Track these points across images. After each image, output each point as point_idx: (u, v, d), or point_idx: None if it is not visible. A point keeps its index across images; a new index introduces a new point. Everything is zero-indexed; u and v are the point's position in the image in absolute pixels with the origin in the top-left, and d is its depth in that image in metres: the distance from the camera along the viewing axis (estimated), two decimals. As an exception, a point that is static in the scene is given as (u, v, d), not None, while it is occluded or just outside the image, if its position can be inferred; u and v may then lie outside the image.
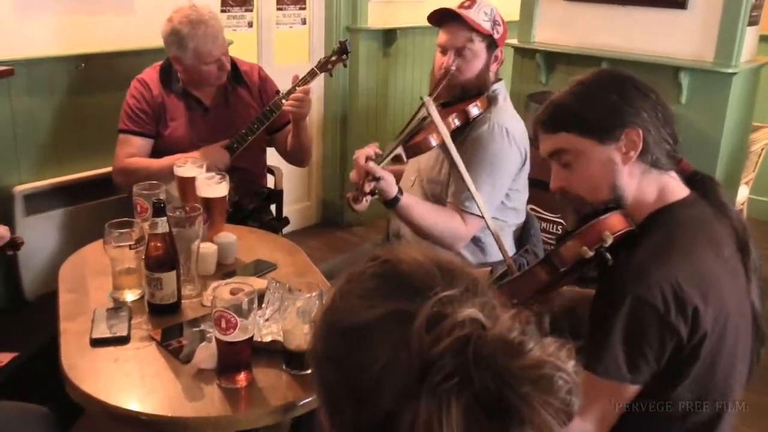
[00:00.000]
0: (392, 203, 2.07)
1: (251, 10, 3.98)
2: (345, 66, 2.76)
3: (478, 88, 2.23)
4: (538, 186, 3.58)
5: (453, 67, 2.20)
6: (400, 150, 2.10)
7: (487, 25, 2.21)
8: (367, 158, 2.01)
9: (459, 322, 0.74)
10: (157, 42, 2.71)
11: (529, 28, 4.12)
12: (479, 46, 2.21)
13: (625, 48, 3.73)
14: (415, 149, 2.12)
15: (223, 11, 3.78)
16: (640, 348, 1.28)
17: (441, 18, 2.25)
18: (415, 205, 2.13)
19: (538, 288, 1.45)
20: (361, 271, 0.83)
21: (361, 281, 0.82)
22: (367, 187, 2.00)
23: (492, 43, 2.23)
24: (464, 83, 2.22)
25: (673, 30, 3.58)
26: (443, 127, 2.03)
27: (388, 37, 4.50)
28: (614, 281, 1.32)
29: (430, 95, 2.22)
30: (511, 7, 4.61)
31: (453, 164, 2.17)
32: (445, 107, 2.25)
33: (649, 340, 1.27)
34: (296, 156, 2.87)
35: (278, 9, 4.14)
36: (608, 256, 1.36)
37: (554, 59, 4.05)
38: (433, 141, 2.10)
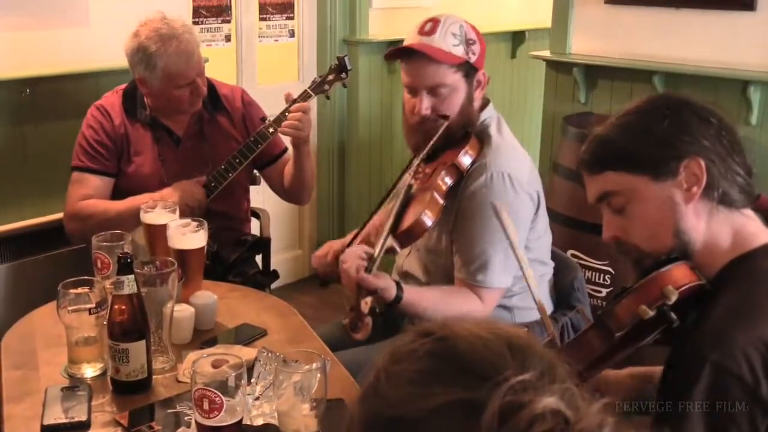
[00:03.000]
0: (393, 303, 2.05)
1: (229, 21, 4.04)
2: (345, 86, 2.80)
3: (465, 127, 2.19)
4: (578, 227, 3.62)
5: (428, 112, 2.15)
6: (390, 241, 2.08)
7: (458, 50, 2.13)
8: (358, 268, 1.99)
9: (538, 414, 0.73)
10: (119, 61, 2.75)
11: (563, 38, 4.16)
12: (454, 77, 2.15)
13: (680, 59, 3.76)
14: (408, 236, 2.10)
15: (195, 23, 3.83)
16: (725, 430, 1.27)
17: (399, 55, 2.20)
18: (420, 297, 2.11)
19: (592, 359, 1.45)
20: (411, 348, 0.82)
21: (412, 362, 0.81)
22: (365, 307, 1.97)
23: (470, 69, 2.17)
24: (447, 126, 2.16)
25: (738, 36, 3.61)
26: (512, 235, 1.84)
27: (394, 50, 4.54)
28: (687, 350, 1.32)
29: (416, 152, 2.21)
30: (542, 14, 4.68)
31: (455, 230, 2.17)
32: (428, 162, 2.21)
33: (736, 419, 1.26)
34: (296, 191, 2.88)
35: (261, 19, 4.20)
36: (673, 316, 1.35)
37: (595, 74, 4.07)
38: (429, 220, 2.08)
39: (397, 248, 2.10)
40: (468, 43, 2.16)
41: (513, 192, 2.13)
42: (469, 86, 2.19)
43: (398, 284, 2.06)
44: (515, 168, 2.16)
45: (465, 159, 2.14)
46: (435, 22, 2.15)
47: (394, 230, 2.10)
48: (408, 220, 2.10)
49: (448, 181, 2.14)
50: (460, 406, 0.75)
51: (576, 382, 0.80)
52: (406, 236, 2.10)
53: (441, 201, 2.12)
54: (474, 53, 2.17)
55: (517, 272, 2.19)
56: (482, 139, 2.20)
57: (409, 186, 2.17)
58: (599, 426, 0.74)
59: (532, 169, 2.24)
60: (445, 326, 0.83)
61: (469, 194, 2.14)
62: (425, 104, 2.15)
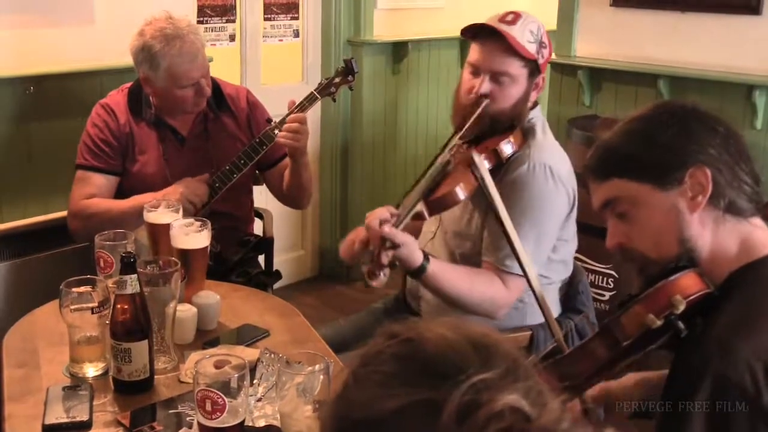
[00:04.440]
0: (418, 272, 2.05)
1: (233, 21, 4.04)
2: (351, 89, 2.79)
3: (512, 120, 2.21)
4: (583, 231, 3.59)
5: (487, 94, 2.18)
6: (420, 206, 2.09)
7: (532, 48, 2.18)
8: (382, 221, 2.00)
9: (497, 413, 0.74)
10: (124, 59, 2.74)
11: (568, 40, 4.16)
12: (520, 71, 2.18)
13: (685, 63, 3.76)
14: (439, 204, 2.11)
15: (199, 22, 3.83)
16: None
17: (477, 32, 2.23)
18: (446, 271, 2.11)
19: (597, 367, 1.45)
20: (378, 351, 0.84)
21: (378, 364, 0.82)
22: (385, 258, 1.98)
23: (535, 69, 2.21)
24: (496, 114, 2.19)
25: (744, 40, 3.61)
26: (497, 198, 1.94)
27: (398, 51, 4.55)
28: (691, 357, 1.31)
29: (457, 130, 2.22)
30: (547, 16, 4.67)
31: (489, 215, 2.17)
32: (470, 145, 2.23)
33: (738, 429, 1.25)
34: (294, 197, 2.89)
35: (266, 19, 4.20)
36: (681, 325, 1.35)
37: (600, 77, 4.08)
38: (461, 193, 2.08)
39: (426, 214, 2.11)
40: (541, 44, 2.20)
41: (553, 183, 2.16)
42: (529, 84, 2.22)
43: (425, 255, 2.06)
44: (556, 162, 2.19)
45: (507, 147, 2.16)
46: (516, 15, 2.19)
47: (426, 196, 2.10)
48: (442, 190, 2.10)
49: (486, 164, 2.13)
50: (421, 407, 0.76)
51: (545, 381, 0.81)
52: (436, 204, 2.10)
53: (476, 181, 2.12)
54: (543, 56, 2.22)
55: (541, 269, 2.21)
56: (526, 133, 2.23)
57: (447, 161, 2.17)
58: (557, 421, 0.75)
59: (571, 170, 2.26)
60: (411, 328, 0.84)
61: (509, 181, 2.16)
62: (485, 86, 2.18)
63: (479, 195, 2.13)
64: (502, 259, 2.15)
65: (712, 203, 1.39)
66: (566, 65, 4.17)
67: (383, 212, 2.04)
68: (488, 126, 2.20)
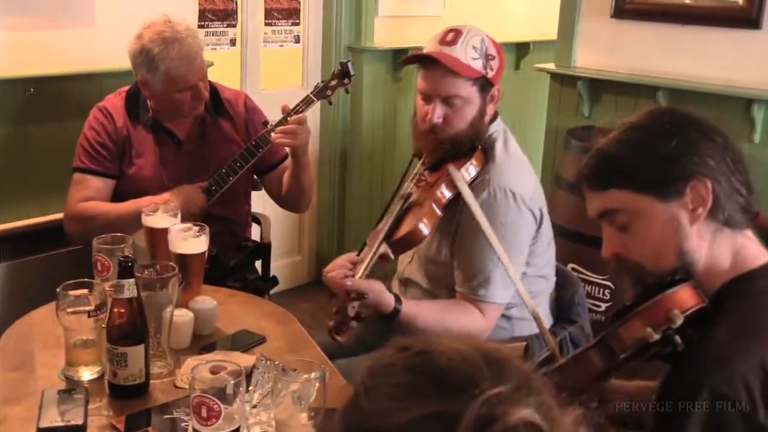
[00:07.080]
0: (391, 317, 2.05)
1: (234, 26, 4.04)
2: (347, 92, 2.80)
3: (472, 140, 2.19)
4: (579, 241, 3.62)
5: (439, 121, 2.16)
6: (384, 248, 2.09)
7: (477, 64, 2.15)
8: (343, 274, 2.02)
9: (512, 427, 0.74)
10: (124, 63, 2.74)
11: (568, 51, 4.16)
12: (470, 90, 2.15)
13: (685, 75, 3.77)
14: (402, 244, 2.11)
15: (200, 26, 3.84)
16: None
17: (417, 61, 2.22)
18: (420, 310, 2.11)
19: (592, 377, 1.45)
20: (389, 363, 0.84)
21: (390, 376, 0.82)
22: (352, 311, 1.98)
23: (486, 84, 2.18)
24: (454, 137, 2.18)
25: (744, 54, 3.62)
26: (477, 211, 1.98)
27: (398, 58, 4.55)
28: (686, 371, 1.32)
29: (416, 155, 2.24)
30: (548, 26, 4.69)
31: (456, 240, 2.17)
32: (432, 171, 2.22)
33: None
34: (293, 199, 2.89)
35: (267, 24, 4.21)
36: (678, 340, 1.35)
37: (599, 88, 4.08)
38: (425, 229, 2.08)
39: (391, 255, 2.11)
40: (488, 57, 2.17)
41: (516, 208, 2.13)
42: (483, 100, 2.19)
43: (397, 297, 2.06)
44: (518, 184, 2.16)
45: (468, 172, 2.14)
46: (457, 33, 2.15)
47: (388, 237, 2.11)
48: (404, 229, 2.10)
49: (447, 194, 2.14)
50: (435, 419, 0.77)
51: (554, 395, 0.82)
52: (400, 244, 2.11)
53: (439, 212, 2.13)
54: (492, 69, 2.18)
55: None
56: (487, 153, 2.21)
57: (409, 194, 2.18)
58: None
59: (536, 185, 2.25)
60: (423, 341, 0.84)
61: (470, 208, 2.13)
62: (438, 113, 2.15)
63: (444, 223, 2.15)
64: (476, 288, 2.14)
65: (711, 216, 1.39)
66: (566, 76, 4.17)
67: (343, 262, 2.06)
68: (449, 149, 2.18)
